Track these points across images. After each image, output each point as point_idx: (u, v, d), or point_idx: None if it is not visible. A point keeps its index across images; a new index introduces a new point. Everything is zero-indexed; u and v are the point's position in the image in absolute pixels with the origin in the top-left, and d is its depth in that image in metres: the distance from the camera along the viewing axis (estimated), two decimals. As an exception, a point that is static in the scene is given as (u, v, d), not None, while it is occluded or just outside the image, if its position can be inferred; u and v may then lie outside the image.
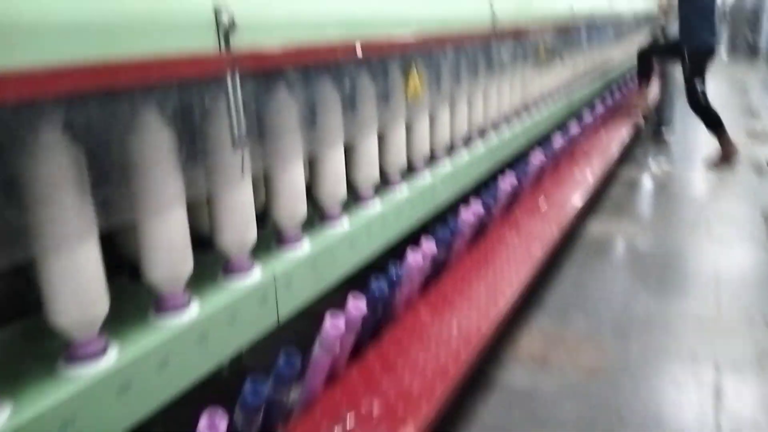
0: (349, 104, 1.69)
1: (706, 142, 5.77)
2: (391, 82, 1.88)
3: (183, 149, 1.11)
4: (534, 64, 3.38)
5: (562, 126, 3.79)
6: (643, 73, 5.49)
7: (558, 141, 3.26)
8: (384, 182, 2.00)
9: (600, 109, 4.42)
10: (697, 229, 3.38)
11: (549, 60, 3.62)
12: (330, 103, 1.59)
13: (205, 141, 1.18)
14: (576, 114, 4.13)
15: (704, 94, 4.71)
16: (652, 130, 5.61)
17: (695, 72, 4.67)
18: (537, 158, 2.89)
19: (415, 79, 1.99)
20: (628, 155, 4.83)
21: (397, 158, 2.02)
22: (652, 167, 4.69)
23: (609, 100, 4.87)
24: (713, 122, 4.80)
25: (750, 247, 3.13)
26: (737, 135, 5.67)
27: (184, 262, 1.18)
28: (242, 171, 1.25)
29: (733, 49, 16.13)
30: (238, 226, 1.31)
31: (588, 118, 4.01)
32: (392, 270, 1.62)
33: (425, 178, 2.15)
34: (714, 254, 3.04)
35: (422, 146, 2.20)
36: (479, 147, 2.65)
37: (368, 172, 1.84)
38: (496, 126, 2.93)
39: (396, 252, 1.85)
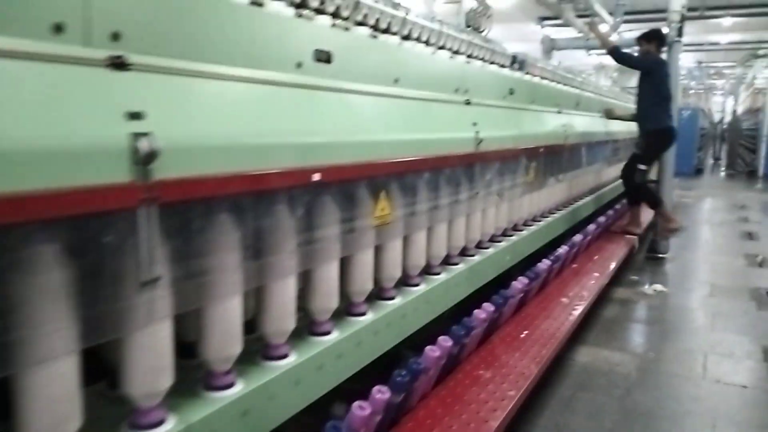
0: (306, 229, 1.58)
1: (705, 260, 5.69)
2: (357, 205, 1.78)
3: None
4: (522, 184, 3.32)
5: (552, 247, 3.68)
6: (631, 192, 5.31)
7: (544, 264, 3.13)
8: (346, 311, 1.86)
9: (593, 228, 4.33)
10: (693, 365, 3.17)
11: (538, 180, 3.57)
12: (283, 230, 1.48)
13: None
14: (568, 234, 4.04)
15: (644, 173, 4.85)
16: (647, 250, 5.46)
17: (647, 151, 4.84)
18: (519, 283, 2.75)
19: (383, 204, 1.89)
20: (621, 275, 4.69)
21: (362, 285, 1.89)
22: (646, 288, 4.53)
23: (603, 220, 4.80)
24: (644, 201, 5.05)
25: (751, 388, 2.91)
26: (735, 259, 5.58)
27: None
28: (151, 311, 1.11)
29: (731, 167, 16.43)
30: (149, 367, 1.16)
31: (579, 238, 3.91)
32: (330, 428, 1.43)
33: (394, 303, 2.02)
34: (711, 396, 2.81)
35: (393, 270, 2.07)
36: (458, 269, 2.52)
37: (325, 301, 1.70)
38: (478, 247, 2.82)
39: (351, 394, 1.67)
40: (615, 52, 4.85)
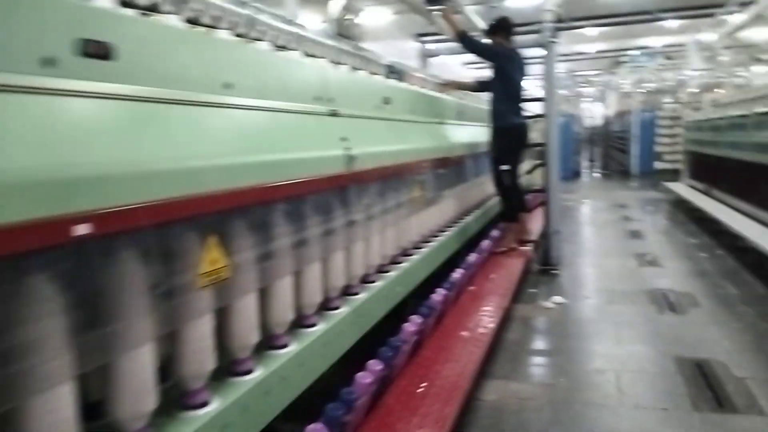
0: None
1: (597, 265, 5.63)
2: (172, 259, 1.26)
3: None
4: (407, 204, 2.92)
5: (444, 270, 3.31)
6: (507, 203, 4.74)
7: (439, 294, 2.73)
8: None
9: (487, 245, 4.04)
10: (608, 388, 2.89)
11: (425, 198, 3.19)
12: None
13: None
14: (460, 255, 3.69)
15: (511, 174, 4.52)
16: (540, 262, 5.18)
17: (501, 151, 4.49)
18: (412, 324, 2.32)
19: (213, 252, 1.38)
20: (518, 289, 4.42)
21: (200, 366, 1.36)
22: (545, 302, 4.30)
23: (496, 233, 4.53)
24: (513, 204, 4.68)
25: (672, 409, 2.66)
26: (627, 260, 5.56)
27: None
28: None
29: (605, 168, 17.38)
30: None
31: (474, 257, 3.57)
32: None
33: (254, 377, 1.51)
34: (633, 427, 2.52)
35: (246, 336, 1.56)
36: (339, 315, 2.05)
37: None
38: (363, 282, 2.38)
39: None
40: (463, 39, 4.30)
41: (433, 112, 3.79)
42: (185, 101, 1.40)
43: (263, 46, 1.91)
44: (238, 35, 2.04)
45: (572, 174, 14.42)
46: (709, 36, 10.62)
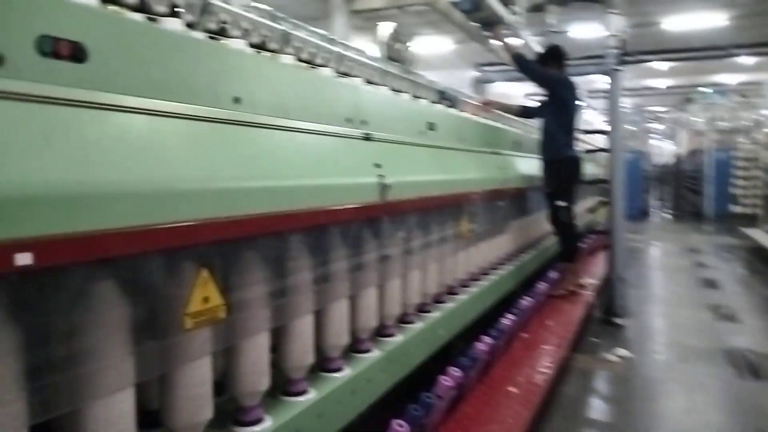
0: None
1: (667, 315, 5.12)
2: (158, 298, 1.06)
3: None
4: (454, 239, 2.66)
5: (500, 311, 3.00)
6: (566, 241, 4.32)
7: (484, 344, 2.43)
8: None
9: (543, 288, 3.69)
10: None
11: (475, 233, 2.91)
12: None
13: None
14: (513, 299, 3.36)
15: (568, 210, 4.12)
16: (603, 311, 4.66)
17: (558, 185, 4.11)
18: (448, 379, 2.02)
19: (209, 290, 1.16)
20: (580, 340, 4.02)
21: (198, 413, 1.14)
22: (608, 354, 3.87)
23: (554, 275, 4.17)
24: (572, 243, 4.29)
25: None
26: (700, 312, 5.03)
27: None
28: None
29: (676, 208, 16.41)
30: None
31: (527, 302, 3.24)
32: None
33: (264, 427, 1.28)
34: None
35: (255, 381, 1.34)
36: (370, 359, 1.82)
37: None
38: (402, 322, 2.15)
39: None
40: (519, 60, 4.00)
41: (487, 140, 3.53)
42: (188, 115, 1.21)
43: (286, 59, 1.72)
44: (271, 50, 1.89)
45: (640, 213, 13.70)
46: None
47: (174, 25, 1.34)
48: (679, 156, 18.76)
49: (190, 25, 1.59)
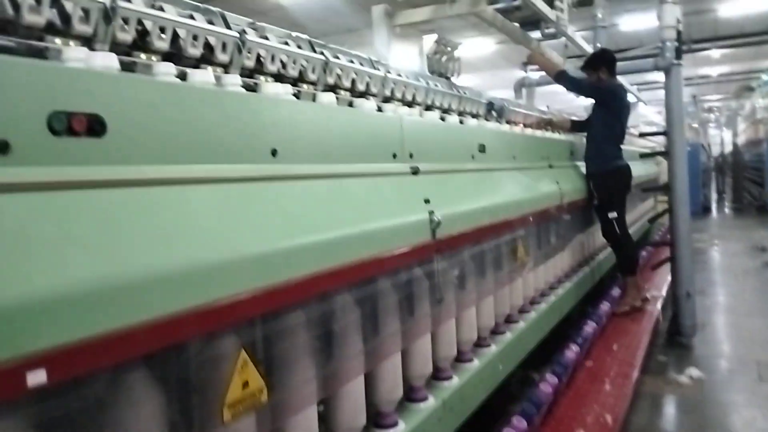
0: None
1: (739, 326, 4.77)
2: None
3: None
4: (511, 266, 2.49)
5: (558, 344, 2.82)
6: (623, 254, 4.09)
7: (549, 384, 2.25)
8: None
9: (605, 309, 3.46)
10: None
11: (531, 256, 2.74)
12: None
13: None
14: (575, 325, 3.16)
15: (620, 222, 3.90)
16: (668, 330, 4.28)
17: (609, 197, 3.88)
18: (514, 430, 1.87)
19: (248, 372, 1.05)
20: (647, 359, 3.75)
21: None
22: (678, 375, 3.61)
23: (616, 293, 3.92)
24: (626, 259, 4.05)
25: None
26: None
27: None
28: None
29: (737, 202, 15.56)
30: None
31: (591, 328, 3.03)
32: None
33: None
34: None
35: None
36: (427, 408, 1.69)
37: None
38: (459, 360, 2.01)
39: None
40: (562, 78, 3.86)
41: (539, 154, 3.34)
42: (219, 178, 1.10)
43: (326, 98, 1.60)
44: (309, 83, 1.78)
45: (701, 209, 13.01)
46: None
47: (203, 76, 1.23)
48: (737, 145, 17.87)
49: (224, 66, 1.50)
